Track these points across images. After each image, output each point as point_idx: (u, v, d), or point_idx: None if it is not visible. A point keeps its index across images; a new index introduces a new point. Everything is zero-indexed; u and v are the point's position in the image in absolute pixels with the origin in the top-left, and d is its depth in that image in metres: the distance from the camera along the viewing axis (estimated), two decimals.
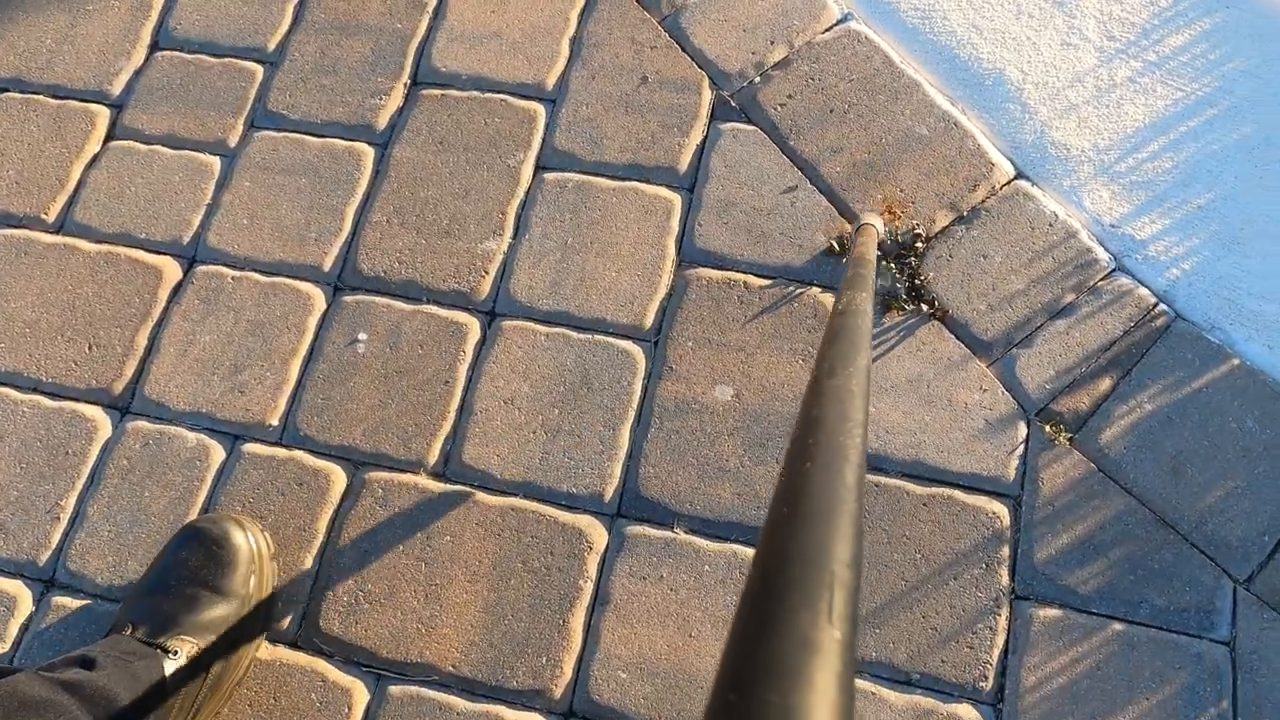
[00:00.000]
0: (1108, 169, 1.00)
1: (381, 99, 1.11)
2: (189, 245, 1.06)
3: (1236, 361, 0.91)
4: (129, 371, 1.00)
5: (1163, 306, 0.94)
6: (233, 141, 1.11)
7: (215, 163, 1.10)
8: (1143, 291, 0.94)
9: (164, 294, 1.03)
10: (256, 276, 1.03)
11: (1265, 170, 0.98)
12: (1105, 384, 0.91)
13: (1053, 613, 0.84)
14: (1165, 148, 1.01)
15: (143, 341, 1.01)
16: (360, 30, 1.15)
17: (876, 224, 0.84)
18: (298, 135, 1.10)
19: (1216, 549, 0.85)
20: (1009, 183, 1.01)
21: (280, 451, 0.95)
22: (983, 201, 1.00)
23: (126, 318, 1.02)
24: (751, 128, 1.05)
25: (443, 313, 1.00)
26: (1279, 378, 0.91)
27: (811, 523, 0.31)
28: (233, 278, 1.03)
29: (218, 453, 0.96)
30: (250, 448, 0.95)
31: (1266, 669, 0.81)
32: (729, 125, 1.06)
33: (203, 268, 1.04)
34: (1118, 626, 0.83)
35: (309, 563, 0.90)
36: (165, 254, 1.05)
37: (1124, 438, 0.89)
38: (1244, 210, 0.97)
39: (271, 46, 1.16)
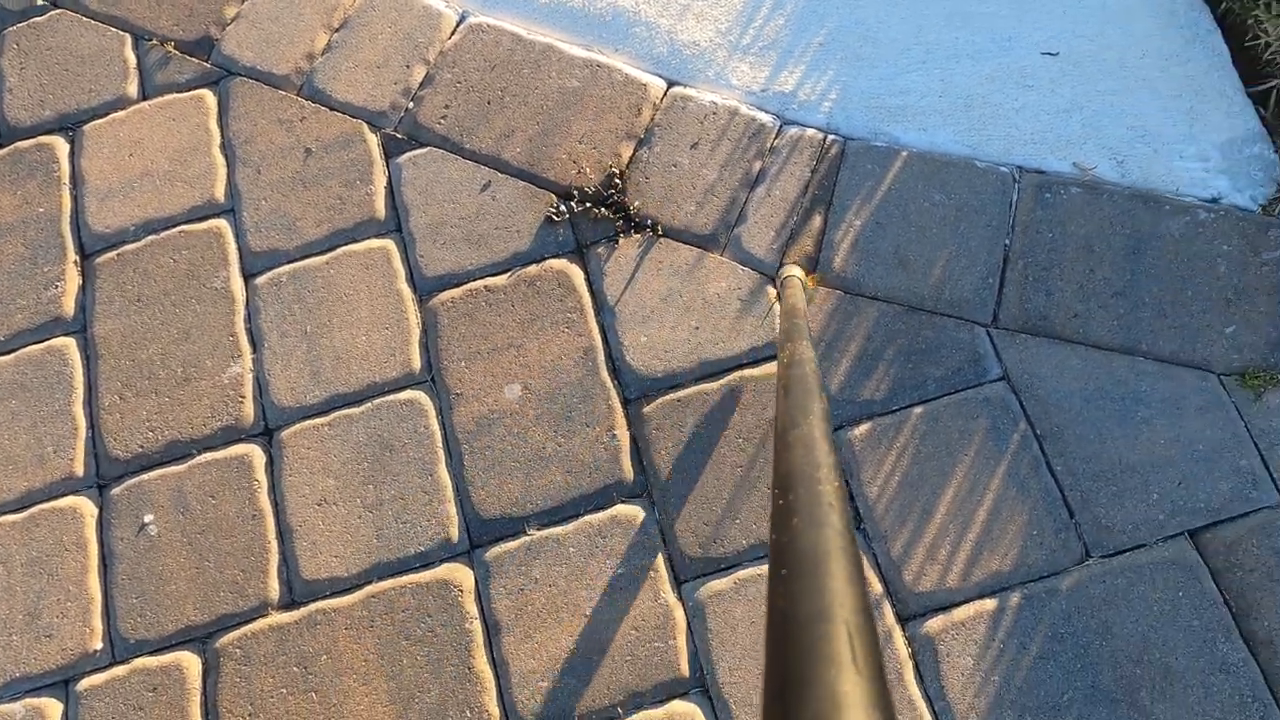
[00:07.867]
0: (737, 46, 1.10)
1: (58, 286, 1.05)
2: None
3: (905, 153, 1.03)
4: None
5: (832, 137, 1.04)
6: None
7: None
8: (810, 132, 1.04)
9: None
10: (10, 518, 0.95)
11: None
12: (817, 221, 1.01)
13: (864, 428, 0.92)
14: (773, 9, 1.11)
15: None
16: (2, 231, 1.08)
17: (798, 274, 0.86)
18: None
19: (959, 307, 0.96)
20: (665, 94, 1.08)
21: (118, 670, 0.89)
22: (651, 120, 1.07)
23: None
24: (426, 149, 1.08)
25: (219, 455, 0.96)
26: (941, 150, 1.03)
27: (814, 579, 0.31)
28: None
29: (54, 708, 0.88)
30: (85, 684, 0.89)
31: (1039, 382, 0.93)
32: (405, 156, 1.07)
33: None
34: (918, 410, 0.92)
35: None
36: None
37: (851, 257, 0.99)
38: (854, 31, 1.09)
39: None
